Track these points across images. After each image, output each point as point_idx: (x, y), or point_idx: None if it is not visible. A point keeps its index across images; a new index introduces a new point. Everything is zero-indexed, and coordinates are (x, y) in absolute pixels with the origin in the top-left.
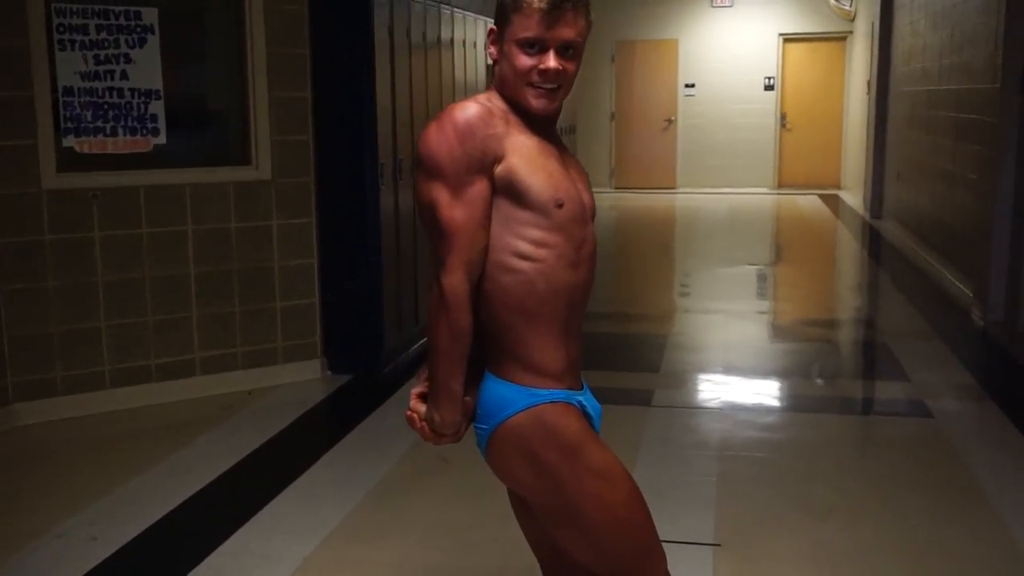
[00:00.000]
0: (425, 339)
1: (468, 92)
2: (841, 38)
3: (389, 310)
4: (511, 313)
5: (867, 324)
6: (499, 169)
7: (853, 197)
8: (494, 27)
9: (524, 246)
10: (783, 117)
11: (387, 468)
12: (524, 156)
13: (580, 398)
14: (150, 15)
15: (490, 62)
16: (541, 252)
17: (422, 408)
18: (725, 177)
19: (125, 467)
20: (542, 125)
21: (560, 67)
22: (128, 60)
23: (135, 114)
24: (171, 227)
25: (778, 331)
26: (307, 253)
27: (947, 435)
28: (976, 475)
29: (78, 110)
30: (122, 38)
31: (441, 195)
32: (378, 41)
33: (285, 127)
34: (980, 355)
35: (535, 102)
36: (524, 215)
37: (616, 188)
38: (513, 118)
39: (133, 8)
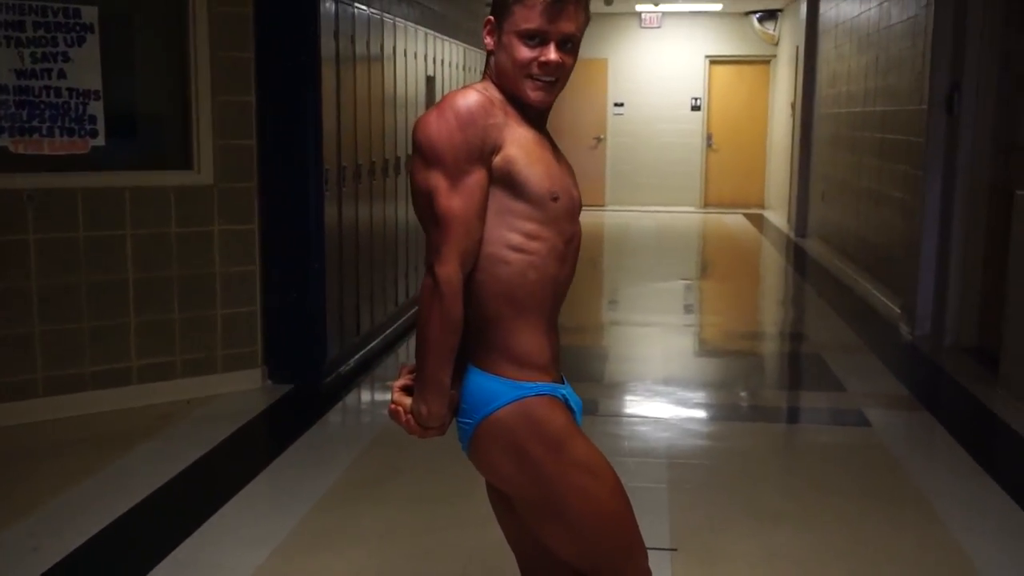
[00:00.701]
0: (367, 349)
1: (411, 102)
2: (765, 61)
3: (332, 319)
4: (500, 304)
5: (799, 337)
6: (497, 159)
7: (777, 217)
8: (491, 17)
9: (517, 238)
10: (709, 137)
11: (334, 478)
12: (523, 147)
13: (564, 391)
14: (90, 13)
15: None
16: (533, 245)
17: (407, 401)
18: (653, 195)
19: (63, 477)
20: (536, 118)
21: (560, 60)
22: (66, 59)
23: (73, 114)
24: (109, 231)
25: (714, 344)
26: (249, 260)
27: (885, 443)
28: (916, 480)
29: (13, 109)
30: (60, 36)
31: (439, 183)
32: (324, 47)
33: (228, 131)
34: (910, 367)
35: (533, 94)
36: (520, 207)
37: None
38: (511, 109)
39: (72, 6)
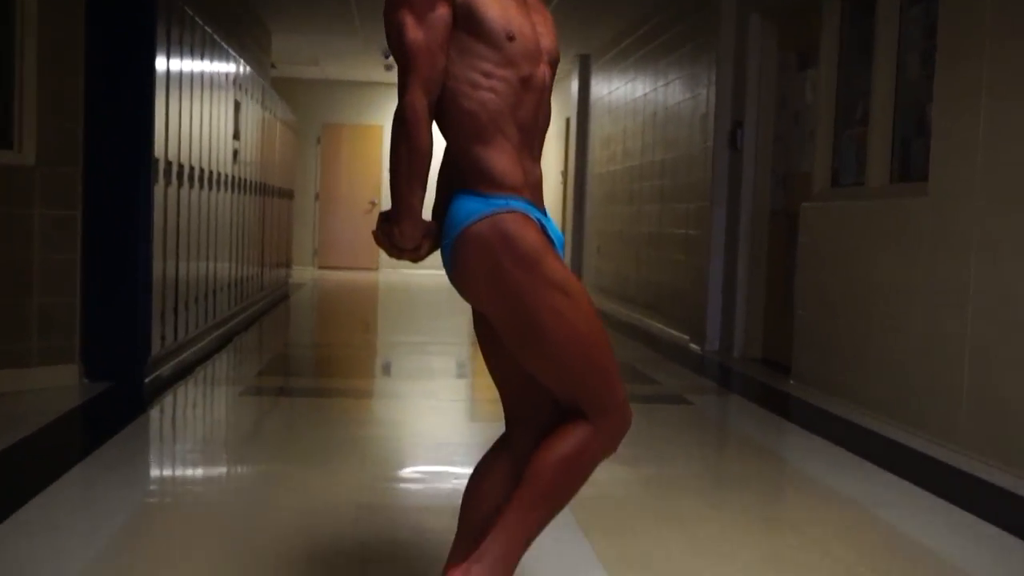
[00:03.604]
0: (190, 351)
1: (244, 103)
2: None
3: (157, 316)
4: (468, 135)
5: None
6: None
7: None
8: None
9: (477, 76)
10: None
11: (143, 487)
12: None
13: (539, 215)
14: None
15: None
16: (491, 82)
17: (386, 225)
18: (428, 259)
19: None
20: None
21: None
22: None
23: None
24: None
25: None
26: (70, 248)
27: (709, 414)
28: (754, 437)
29: None
30: None
31: (406, 18)
32: (159, 36)
33: (53, 111)
34: (709, 370)
35: None
36: (479, 48)
37: (320, 267)
38: None
39: None
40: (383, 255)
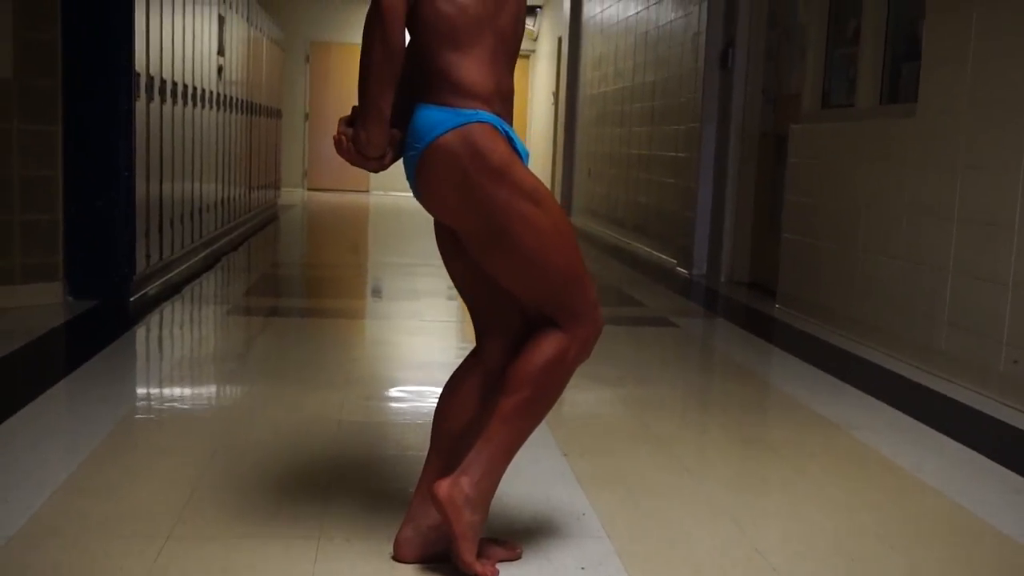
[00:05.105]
0: (177, 271)
1: (228, 17)
2: (525, 56)
3: (140, 234)
4: (443, 38)
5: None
6: None
7: None
8: None
9: None
10: None
11: (128, 405)
12: None
13: (508, 130)
14: None
15: None
16: None
17: (350, 131)
18: None
19: None
20: None
21: None
22: None
23: None
24: None
25: None
26: (51, 164)
27: (694, 335)
28: (737, 360)
29: None
30: None
31: None
32: None
33: (30, 21)
34: (695, 293)
35: None
36: None
37: (309, 188)
38: None
39: None
40: (374, 177)
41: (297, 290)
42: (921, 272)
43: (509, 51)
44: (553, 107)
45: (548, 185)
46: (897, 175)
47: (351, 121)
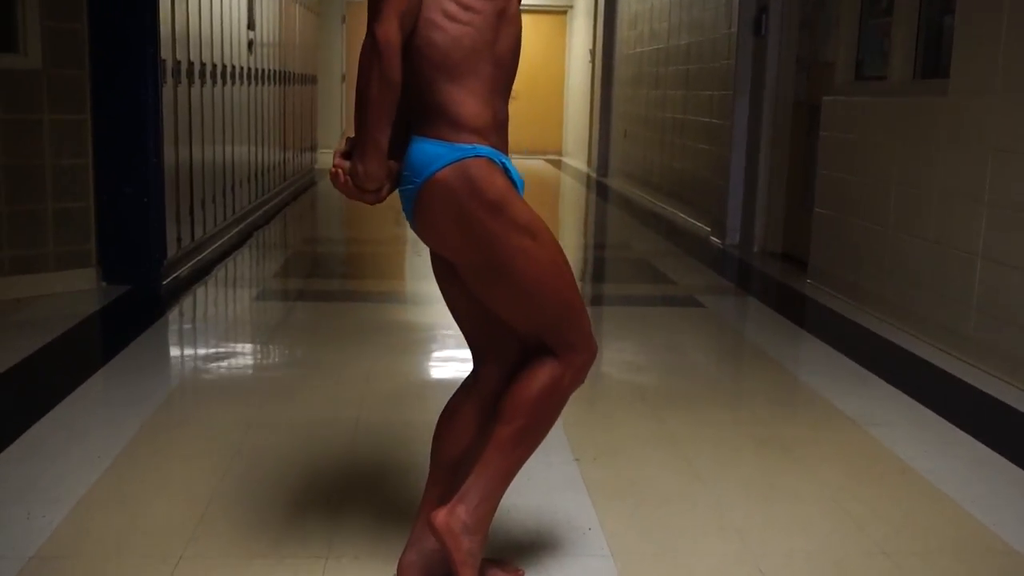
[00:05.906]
0: (206, 252)
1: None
2: (562, 12)
3: (171, 219)
4: (438, 69)
5: (624, 247)
6: None
7: (576, 161)
8: None
9: (452, 7)
10: None
11: (169, 387)
12: None
13: (504, 160)
14: None
15: None
16: (467, 15)
17: (346, 164)
18: None
19: None
20: None
21: None
22: None
23: None
24: None
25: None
26: (81, 152)
27: (721, 317)
28: (761, 346)
29: None
30: None
31: None
32: None
33: (57, 12)
34: (728, 267)
35: None
36: None
37: None
38: None
39: None
40: None
41: (330, 270)
42: (950, 255)
43: (507, 78)
44: (590, 65)
45: (585, 146)
46: (928, 154)
47: (347, 154)
